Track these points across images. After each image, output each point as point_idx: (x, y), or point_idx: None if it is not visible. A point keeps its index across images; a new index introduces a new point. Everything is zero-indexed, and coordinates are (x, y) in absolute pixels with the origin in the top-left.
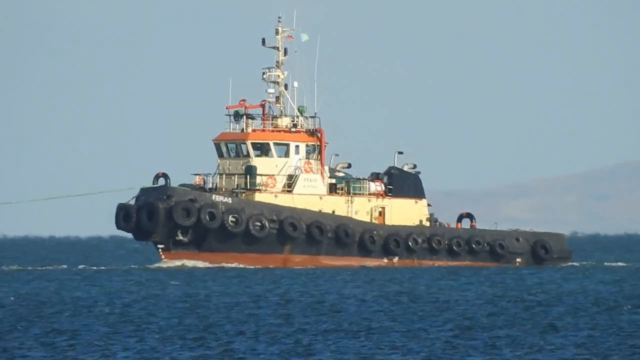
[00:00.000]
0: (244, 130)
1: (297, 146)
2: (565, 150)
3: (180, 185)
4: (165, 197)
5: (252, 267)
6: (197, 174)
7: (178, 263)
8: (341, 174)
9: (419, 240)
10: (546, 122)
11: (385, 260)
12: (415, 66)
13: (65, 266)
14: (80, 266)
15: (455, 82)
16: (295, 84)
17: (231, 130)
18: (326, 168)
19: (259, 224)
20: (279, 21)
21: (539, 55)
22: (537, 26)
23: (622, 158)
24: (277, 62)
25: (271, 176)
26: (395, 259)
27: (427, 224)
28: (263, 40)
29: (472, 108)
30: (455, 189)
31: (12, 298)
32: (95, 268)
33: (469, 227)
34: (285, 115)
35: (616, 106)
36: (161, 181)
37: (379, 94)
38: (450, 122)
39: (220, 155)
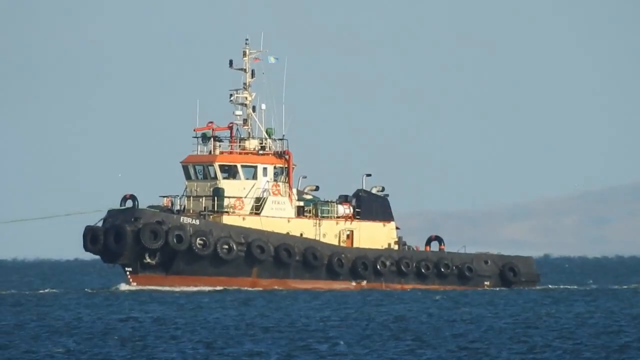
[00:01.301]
0: (212, 153)
1: (264, 168)
2: (564, 172)
3: (148, 207)
4: (132, 219)
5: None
6: (165, 196)
7: (146, 287)
8: (309, 197)
9: (387, 263)
10: (546, 143)
11: (354, 284)
12: (386, 87)
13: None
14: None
15: (438, 99)
16: (263, 106)
17: (199, 153)
18: (294, 190)
19: (226, 246)
20: (246, 43)
21: (539, 70)
22: (535, 38)
23: (623, 180)
24: (245, 84)
25: (239, 198)
26: (364, 282)
27: (396, 247)
28: (230, 62)
29: (466, 127)
30: (453, 210)
31: None
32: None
33: (437, 249)
34: (253, 138)
35: (618, 127)
36: (129, 203)
37: (348, 116)
38: (432, 143)
39: (188, 177)
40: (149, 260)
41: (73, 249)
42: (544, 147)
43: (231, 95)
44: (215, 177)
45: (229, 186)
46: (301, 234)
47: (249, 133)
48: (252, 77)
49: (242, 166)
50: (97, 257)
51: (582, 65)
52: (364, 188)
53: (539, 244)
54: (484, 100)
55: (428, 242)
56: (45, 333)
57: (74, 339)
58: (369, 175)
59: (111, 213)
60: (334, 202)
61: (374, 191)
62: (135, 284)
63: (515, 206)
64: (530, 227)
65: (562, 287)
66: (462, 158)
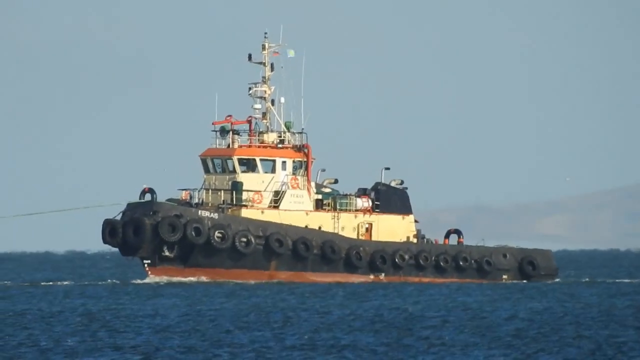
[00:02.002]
0: (231, 146)
1: (283, 162)
2: (599, 166)
3: (167, 200)
4: (151, 212)
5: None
6: (184, 189)
7: (164, 278)
8: (328, 190)
9: (406, 257)
10: (580, 137)
11: (372, 277)
12: (406, 80)
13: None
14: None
15: (462, 90)
16: (282, 100)
17: (217, 146)
18: (313, 184)
19: (245, 239)
20: (265, 37)
21: (574, 61)
22: (565, 35)
23: None
24: (264, 77)
25: (257, 192)
26: (382, 276)
27: (414, 240)
28: (249, 55)
29: (492, 119)
30: (487, 205)
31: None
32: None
33: (456, 243)
34: (272, 131)
35: None
36: (147, 196)
37: (367, 110)
38: (455, 136)
39: (207, 170)
40: (167, 253)
41: (93, 242)
42: (579, 141)
43: (250, 88)
44: (234, 171)
45: (247, 180)
46: (319, 227)
47: (268, 127)
48: (271, 70)
49: (261, 160)
50: (115, 249)
51: (617, 56)
52: (382, 181)
53: (573, 239)
54: (514, 89)
55: (447, 236)
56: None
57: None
58: (387, 168)
59: (130, 206)
60: (352, 195)
61: (392, 184)
62: (153, 276)
63: (549, 201)
64: (564, 221)
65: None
66: (491, 151)
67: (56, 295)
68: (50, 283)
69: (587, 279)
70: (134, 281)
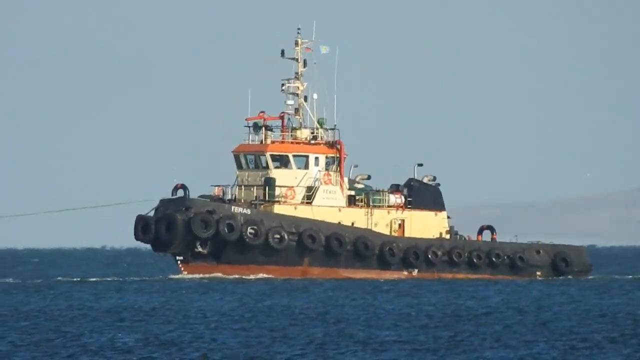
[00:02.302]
0: (263, 142)
1: (316, 158)
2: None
3: (199, 196)
4: (184, 208)
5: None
6: (216, 186)
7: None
8: (360, 186)
9: (439, 253)
10: (615, 130)
11: (405, 273)
12: (440, 76)
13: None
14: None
15: (498, 87)
16: (315, 96)
17: (250, 142)
18: (345, 180)
19: (278, 236)
20: (298, 33)
21: (612, 57)
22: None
23: None
24: (297, 73)
25: (290, 188)
26: (415, 272)
27: (447, 236)
28: (282, 51)
29: (527, 115)
30: (518, 201)
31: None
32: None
33: (489, 239)
34: (305, 127)
35: None
36: (180, 192)
37: (400, 106)
38: (489, 132)
39: (239, 166)
40: (200, 249)
41: (126, 238)
42: (618, 136)
43: (283, 84)
44: (267, 167)
45: (280, 176)
46: (352, 224)
47: (301, 123)
48: (304, 66)
49: (294, 156)
50: (148, 246)
51: None
52: (415, 177)
53: (614, 235)
54: (551, 82)
55: (480, 232)
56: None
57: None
58: (420, 164)
59: (162, 202)
60: (385, 192)
61: (425, 180)
62: (186, 272)
63: (588, 196)
64: (604, 217)
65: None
66: (526, 147)
67: (114, 290)
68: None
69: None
70: (174, 276)
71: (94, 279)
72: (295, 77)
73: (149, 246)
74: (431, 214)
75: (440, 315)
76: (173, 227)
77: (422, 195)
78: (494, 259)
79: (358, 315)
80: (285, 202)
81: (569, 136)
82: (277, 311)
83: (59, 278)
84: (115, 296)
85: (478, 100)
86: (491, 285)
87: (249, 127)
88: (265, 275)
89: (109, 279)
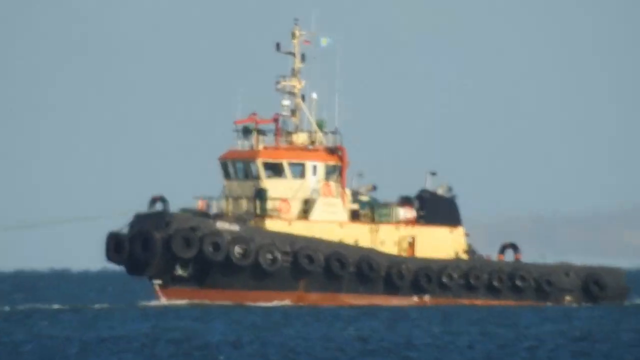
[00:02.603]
0: (254, 148)
1: (314, 166)
2: None
3: (180, 210)
4: (162, 224)
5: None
6: (200, 198)
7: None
8: (365, 198)
9: (455, 276)
10: None
11: (415, 299)
12: (454, 73)
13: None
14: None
15: (522, 82)
16: (314, 95)
17: (239, 148)
18: (348, 191)
19: (270, 256)
20: (295, 24)
21: None
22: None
23: None
24: (293, 69)
25: (285, 200)
26: (427, 297)
27: (464, 256)
28: (277, 45)
29: (566, 113)
30: (549, 213)
31: None
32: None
33: (512, 259)
34: (302, 131)
35: None
36: (158, 206)
37: (410, 107)
38: (513, 135)
39: (227, 175)
40: (180, 271)
41: (95, 259)
42: None
43: (277, 82)
44: (258, 176)
45: (273, 186)
46: (356, 242)
47: (297, 126)
48: (302, 62)
49: (289, 163)
50: (122, 267)
51: None
52: (428, 188)
53: None
54: (593, 85)
55: (501, 251)
56: None
57: None
58: (434, 173)
59: (138, 217)
60: (393, 204)
61: (439, 191)
62: (164, 299)
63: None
64: None
65: None
66: (559, 151)
67: (99, 319)
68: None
69: None
70: (146, 303)
71: (56, 306)
72: (292, 73)
73: (122, 268)
74: (446, 230)
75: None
76: (150, 246)
77: (435, 208)
78: (517, 283)
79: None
80: (278, 216)
81: (619, 134)
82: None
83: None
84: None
85: (501, 97)
86: (533, 311)
87: (238, 131)
88: (254, 303)
89: (75, 306)
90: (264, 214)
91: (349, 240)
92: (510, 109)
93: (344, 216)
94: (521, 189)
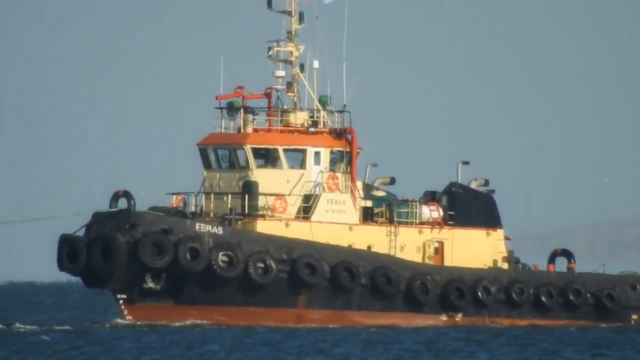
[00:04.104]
0: (242, 131)
1: (317, 153)
2: None
3: (150, 209)
4: (127, 226)
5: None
6: (174, 193)
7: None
8: (381, 194)
9: (493, 290)
10: None
11: (444, 318)
12: (488, 34)
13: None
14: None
15: (562, 50)
16: (316, 64)
17: (223, 130)
18: (359, 185)
19: (262, 265)
20: None
21: None
22: None
23: None
24: (289, 33)
25: (280, 196)
26: (459, 316)
27: (505, 265)
28: (269, 1)
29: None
30: (610, 215)
31: None
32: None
33: (565, 270)
34: (301, 109)
35: None
36: (122, 203)
37: (436, 78)
38: (569, 114)
39: (208, 165)
40: (150, 284)
41: (44, 268)
42: None
43: (270, 48)
44: (247, 166)
45: (265, 178)
46: (369, 247)
47: (296, 102)
48: (300, 23)
49: (285, 150)
50: (77, 278)
51: None
52: (459, 182)
53: None
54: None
55: (552, 259)
56: None
57: None
58: (466, 163)
59: (97, 217)
60: (416, 202)
61: (473, 186)
62: (130, 317)
63: None
64: None
65: None
66: (623, 130)
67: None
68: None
69: None
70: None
71: None
72: (288, 37)
73: (78, 279)
74: (482, 233)
75: None
76: (112, 252)
77: (469, 206)
78: (571, 298)
79: None
80: (272, 216)
81: None
82: None
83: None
84: None
85: (552, 66)
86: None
87: (222, 108)
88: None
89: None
90: (253, 213)
91: (360, 245)
92: (562, 80)
93: (355, 216)
94: (574, 186)
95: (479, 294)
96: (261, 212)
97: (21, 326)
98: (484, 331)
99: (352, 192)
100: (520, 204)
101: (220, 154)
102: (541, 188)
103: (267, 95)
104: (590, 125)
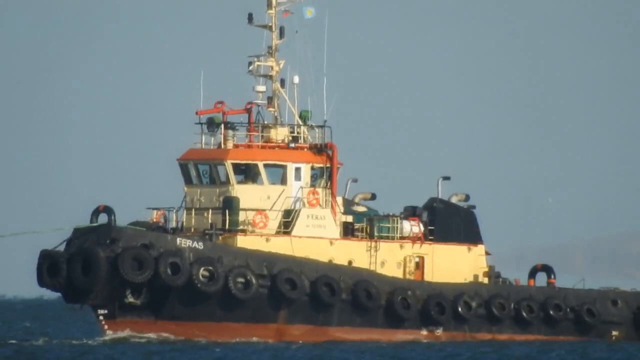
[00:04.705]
0: (222, 146)
1: (297, 168)
2: None
3: (131, 224)
4: (108, 241)
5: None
6: (155, 208)
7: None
8: (361, 209)
9: (473, 304)
10: None
11: (424, 333)
12: (470, 49)
13: None
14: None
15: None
16: (296, 79)
17: (203, 146)
18: (340, 200)
19: (242, 280)
20: None
21: None
22: None
23: None
24: (270, 47)
25: (260, 211)
26: (439, 331)
27: (486, 280)
28: (250, 15)
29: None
30: (590, 232)
31: None
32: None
33: (545, 285)
34: (282, 125)
35: None
36: (103, 218)
37: (415, 94)
38: (544, 127)
39: (188, 181)
40: (131, 299)
41: (24, 283)
42: None
43: (250, 63)
44: (227, 181)
45: (246, 194)
46: (350, 262)
47: (276, 118)
48: (281, 37)
49: (265, 165)
50: (58, 294)
51: None
52: (440, 197)
53: None
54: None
55: (532, 274)
56: None
57: None
58: (447, 178)
59: (78, 232)
60: (396, 217)
61: (454, 201)
62: (110, 332)
63: None
64: None
65: None
66: (597, 149)
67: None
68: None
69: None
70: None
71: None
72: (269, 52)
73: (59, 294)
74: (463, 248)
75: None
76: (93, 267)
77: (449, 222)
78: (552, 313)
79: None
80: (252, 231)
81: None
82: None
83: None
84: None
85: (530, 82)
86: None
87: (202, 124)
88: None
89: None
90: (234, 228)
91: (341, 260)
92: (543, 96)
93: (335, 231)
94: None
95: (460, 309)
96: (242, 228)
97: None
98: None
99: (332, 207)
100: (501, 219)
101: (201, 169)
102: (521, 204)
103: (248, 111)
104: (564, 142)
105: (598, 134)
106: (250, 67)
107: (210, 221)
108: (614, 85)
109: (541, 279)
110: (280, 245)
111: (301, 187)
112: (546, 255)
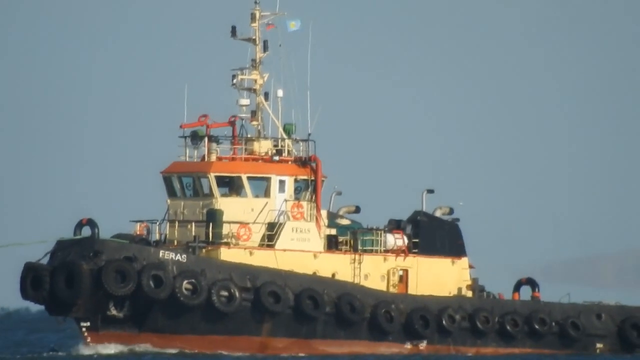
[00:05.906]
0: (206, 159)
1: (281, 181)
2: None
3: (113, 236)
4: (91, 253)
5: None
6: (138, 221)
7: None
8: (345, 222)
9: (457, 318)
10: None
11: (408, 346)
12: (455, 62)
13: None
14: None
15: (532, 79)
16: (280, 93)
17: (187, 159)
18: (324, 213)
19: (225, 293)
20: (256, 2)
21: None
22: None
23: None
24: (254, 60)
25: (244, 224)
26: (423, 344)
27: (470, 293)
28: (233, 29)
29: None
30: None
31: None
32: None
33: (529, 298)
34: (265, 138)
35: None
36: (86, 231)
37: (399, 107)
38: (526, 144)
39: (172, 193)
40: (114, 312)
41: (8, 296)
42: None
43: (234, 77)
44: (211, 194)
45: (230, 206)
46: (333, 275)
47: (260, 131)
48: (265, 51)
49: (249, 178)
50: (41, 307)
51: None
52: (424, 210)
53: None
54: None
55: (517, 288)
56: None
57: None
58: (431, 191)
59: (61, 245)
60: (380, 230)
61: (438, 214)
62: (94, 344)
63: None
64: None
65: None
66: (583, 165)
67: None
68: None
69: None
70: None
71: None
72: (252, 65)
73: (42, 307)
74: (446, 261)
75: None
76: (76, 280)
77: (433, 235)
78: (536, 327)
79: None
80: (236, 244)
81: None
82: None
83: None
84: None
85: (512, 97)
86: None
87: (186, 137)
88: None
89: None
90: (217, 241)
91: (324, 273)
92: (522, 110)
93: (319, 244)
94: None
95: (444, 322)
96: (225, 240)
97: None
98: None
99: (316, 220)
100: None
101: (184, 182)
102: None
103: (231, 124)
104: (550, 154)
105: (581, 147)
106: (234, 81)
107: (193, 234)
108: (611, 90)
109: (525, 293)
110: (264, 258)
111: (285, 200)
112: (529, 269)
